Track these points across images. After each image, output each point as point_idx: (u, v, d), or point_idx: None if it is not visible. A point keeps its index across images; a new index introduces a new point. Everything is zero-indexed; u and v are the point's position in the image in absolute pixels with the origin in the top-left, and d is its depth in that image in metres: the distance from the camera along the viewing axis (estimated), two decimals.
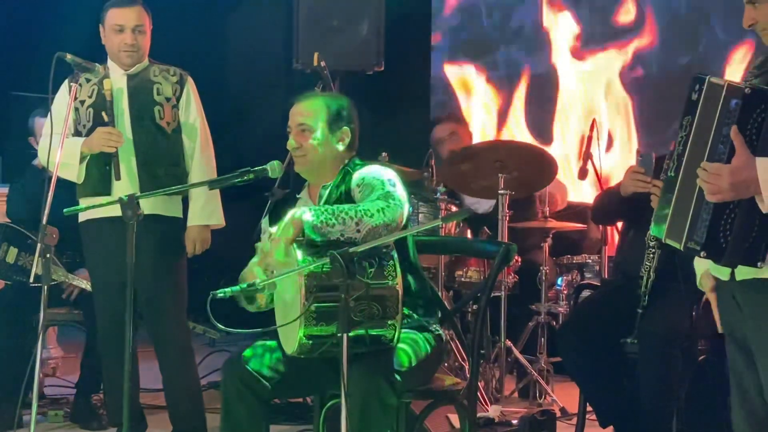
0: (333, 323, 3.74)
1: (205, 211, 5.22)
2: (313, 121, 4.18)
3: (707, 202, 3.20)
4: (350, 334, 3.60)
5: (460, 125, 7.22)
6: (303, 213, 3.87)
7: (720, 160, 3.19)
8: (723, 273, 3.41)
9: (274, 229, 3.94)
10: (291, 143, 4.21)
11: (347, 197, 4.11)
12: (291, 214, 3.91)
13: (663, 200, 3.44)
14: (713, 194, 3.17)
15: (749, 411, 3.47)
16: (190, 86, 5.29)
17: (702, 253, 3.24)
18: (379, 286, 3.86)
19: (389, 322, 3.88)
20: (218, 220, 5.28)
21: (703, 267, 3.58)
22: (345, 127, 4.22)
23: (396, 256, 3.91)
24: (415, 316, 4.12)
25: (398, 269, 3.88)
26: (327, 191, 4.20)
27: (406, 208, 4.01)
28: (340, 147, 4.22)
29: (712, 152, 3.22)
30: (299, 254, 3.82)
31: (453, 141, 7.06)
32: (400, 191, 4.03)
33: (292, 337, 3.85)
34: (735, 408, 3.53)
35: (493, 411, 5.54)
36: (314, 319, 3.79)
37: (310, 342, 3.83)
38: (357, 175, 4.13)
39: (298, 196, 4.33)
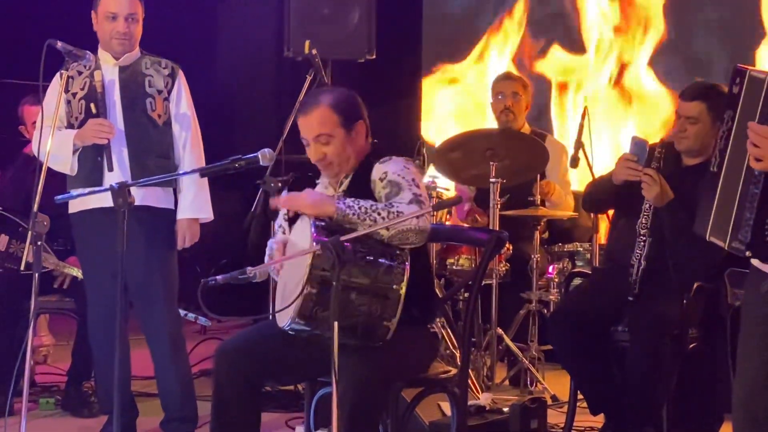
0: (329, 310, 3.74)
1: (195, 205, 5.22)
2: (329, 129, 4.13)
3: (750, 200, 3.12)
4: (343, 323, 3.61)
5: (526, 91, 7.12)
6: (339, 201, 3.92)
7: None
8: (765, 266, 3.33)
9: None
10: (313, 155, 4.17)
11: (366, 187, 4.11)
12: (332, 197, 4.02)
13: (706, 197, 3.37)
14: (758, 160, 3.08)
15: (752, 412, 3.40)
16: (181, 79, 5.28)
17: (747, 253, 3.16)
18: (384, 287, 3.87)
19: (384, 323, 3.89)
20: (207, 213, 5.28)
21: None
22: (358, 121, 4.21)
23: (408, 264, 3.91)
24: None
25: (406, 276, 3.89)
26: (348, 180, 4.21)
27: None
28: (360, 141, 4.21)
29: None
30: (313, 233, 3.82)
31: (513, 100, 6.97)
32: (425, 193, 4.06)
33: (287, 311, 3.86)
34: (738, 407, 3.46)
35: (484, 399, 5.53)
36: (312, 301, 3.80)
37: (303, 322, 3.85)
38: (379, 168, 4.12)
39: (317, 182, 4.33)
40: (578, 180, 7.46)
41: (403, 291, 3.88)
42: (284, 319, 3.91)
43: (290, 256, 3.92)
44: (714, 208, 3.29)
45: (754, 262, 3.37)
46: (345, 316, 3.72)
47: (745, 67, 3.26)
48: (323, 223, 3.87)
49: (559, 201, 6.79)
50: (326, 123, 4.13)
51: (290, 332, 3.94)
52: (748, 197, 3.14)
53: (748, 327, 3.44)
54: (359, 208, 3.91)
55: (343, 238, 3.66)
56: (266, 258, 4.28)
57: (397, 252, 3.92)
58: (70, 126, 5.17)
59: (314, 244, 3.76)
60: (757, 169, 3.12)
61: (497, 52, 9.14)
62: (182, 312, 5.60)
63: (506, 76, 7.24)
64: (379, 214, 3.90)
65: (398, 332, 3.92)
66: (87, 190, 4.85)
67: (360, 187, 4.13)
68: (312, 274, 3.78)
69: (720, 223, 3.26)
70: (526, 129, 7.02)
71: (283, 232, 4.28)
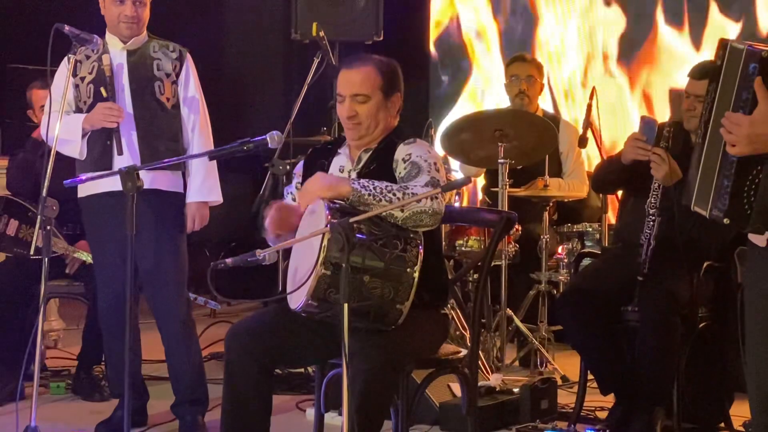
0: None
1: (204, 188, 5.22)
2: (369, 90, 4.13)
3: (728, 168, 3.13)
4: (356, 305, 3.61)
5: (540, 73, 7.10)
6: (353, 182, 3.91)
7: None
8: (759, 239, 3.30)
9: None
10: (345, 111, 4.15)
11: (388, 166, 4.10)
12: (347, 176, 4.00)
13: (692, 167, 3.39)
14: (731, 145, 3.12)
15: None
16: (189, 63, 5.28)
17: (725, 220, 3.18)
18: (397, 270, 3.86)
19: (397, 306, 3.88)
20: (217, 196, 5.28)
21: None
22: (397, 93, 4.20)
23: (422, 247, 3.89)
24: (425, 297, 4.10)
25: (420, 259, 3.88)
26: (368, 155, 4.18)
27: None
28: (392, 113, 4.20)
29: None
30: (328, 214, 3.81)
31: (527, 83, 6.94)
32: (443, 177, 4.05)
33: (300, 293, 3.86)
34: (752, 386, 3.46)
35: (494, 380, 5.55)
36: (326, 283, 3.80)
37: (315, 303, 3.85)
38: (404, 149, 4.10)
39: (339, 151, 4.29)
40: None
41: (416, 274, 3.87)
42: (297, 300, 3.90)
43: (301, 238, 3.91)
44: (698, 179, 3.31)
45: (751, 237, 3.38)
46: (358, 298, 3.72)
47: (728, 40, 3.29)
48: (338, 205, 3.86)
49: (560, 193, 6.75)
50: (368, 83, 4.13)
51: (303, 314, 3.94)
52: (726, 165, 3.16)
53: (751, 301, 3.46)
54: (374, 188, 3.90)
55: (353, 219, 3.65)
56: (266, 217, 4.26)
57: (411, 235, 3.91)
58: (78, 110, 5.17)
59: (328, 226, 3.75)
60: (732, 154, 3.14)
61: None
62: (192, 296, 5.60)
63: (521, 59, 7.20)
64: (394, 194, 3.89)
65: (409, 315, 3.92)
66: (96, 173, 4.86)
67: (378, 164, 4.12)
68: (325, 256, 3.78)
69: (703, 192, 3.28)
70: (540, 112, 7.01)
71: (293, 199, 4.27)
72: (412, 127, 6.51)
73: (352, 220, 3.64)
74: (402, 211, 3.87)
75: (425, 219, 3.91)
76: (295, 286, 3.93)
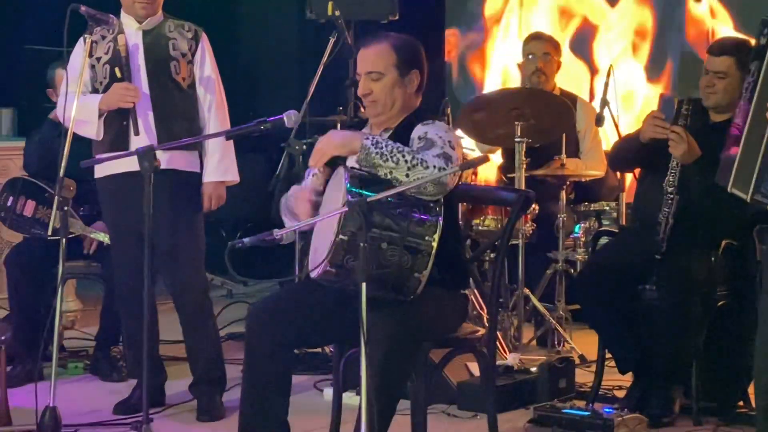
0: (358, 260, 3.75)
1: (221, 168, 5.22)
2: (382, 68, 4.13)
3: None
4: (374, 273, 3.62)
5: (557, 51, 7.08)
6: (365, 138, 3.91)
7: None
8: None
9: None
10: (361, 89, 4.17)
11: (405, 144, 4.06)
12: (361, 133, 4.00)
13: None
14: None
15: None
16: (205, 42, 5.27)
17: None
18: (415, 238, 3.86)
19: (416, 275, 3.88)
20: (233, 176, 5.28)
21: None
22: (415, 70, 4.20)
23: (442, 218, 3.88)
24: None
25: (439, 229, 3.87)
26: (388, 135, 4.16)
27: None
28: (410, 91, 4.19)
29: None
30: (346, 178, 3.82)
31: (544, 61, 6.92)
32: (458, 155, 4.03)
33: (319, 260, 3.88)
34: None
35: (511, 359, 5.54)
36: (344, 249, 3.80)
37: (333, 271, 3.86)
38: (421, 128, 4.09)
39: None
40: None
41: (435, 243, 3.86)
42: (316, 269, 3.92)
43: (321, 217, 3.91)
44: (737, 160, 3.27)
45: None
46: (376, 266, 3.73)
47: None
48: (357, 173, 3.87)
49: (578, 172, 6.72)
50: (382, 61, 4.13)
51: (324, 283, 3.94)
52: None
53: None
54: (385, 146, 3.89)
55: (370, 199, 3.65)
56: (283, 200, 4.26)
57: (431, 204, 3.90)
58: (94, 91, 5.17)
59: (347, 194, 3.75)
60: None
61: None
62: (209, 276, 5.61)
63: (537, 36, 7.16)
64: (403, 156, 3.88)
65: (430, 291, 3.92)
66: (113, 154, 4.86)
67: (399, 142, 4.11)
68: (344, 222, 3.78)
69: (743, 175, 3.25)
70: (557, 91, 6.98)
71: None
72: (428, 105, 6.49)
73: (369, 200, 3.63)
74: (407, 176, 3.86)
75: (429, 187, 3.88)
76: (315, 255, 3.93)
